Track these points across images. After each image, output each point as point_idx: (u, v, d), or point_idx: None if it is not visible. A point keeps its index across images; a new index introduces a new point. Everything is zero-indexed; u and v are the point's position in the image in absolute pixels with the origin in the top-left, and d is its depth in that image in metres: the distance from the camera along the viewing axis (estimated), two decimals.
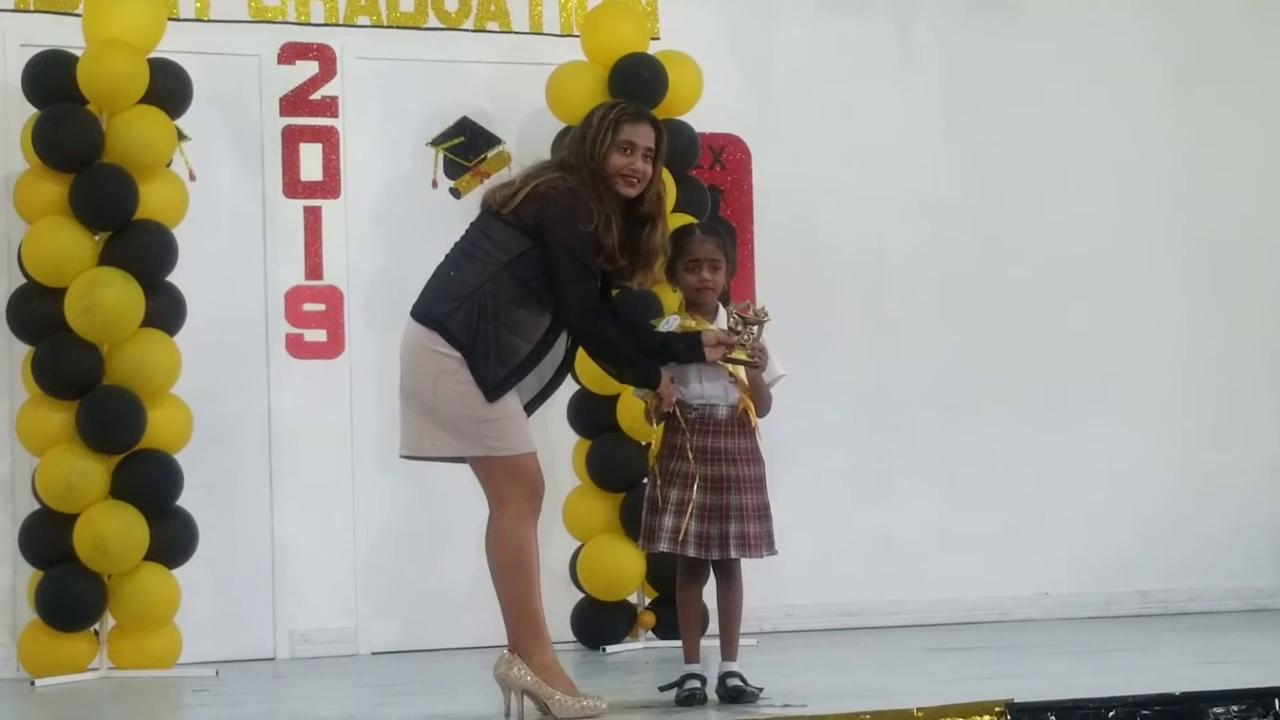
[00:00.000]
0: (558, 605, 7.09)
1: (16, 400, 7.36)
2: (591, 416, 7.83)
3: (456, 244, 5.67)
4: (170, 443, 7.27)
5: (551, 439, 7.71)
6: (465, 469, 5.63)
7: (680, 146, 7.61)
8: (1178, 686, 5.51)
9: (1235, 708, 5.37)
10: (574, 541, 7.89)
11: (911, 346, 8.68)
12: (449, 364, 5.46)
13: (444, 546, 7.87)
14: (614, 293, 5.84)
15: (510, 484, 5.53)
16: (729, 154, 8.44)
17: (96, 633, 7.22)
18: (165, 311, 7.29)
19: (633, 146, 5.64)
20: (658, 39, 8.24)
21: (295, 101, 7.99)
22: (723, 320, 5.76)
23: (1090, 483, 8.79)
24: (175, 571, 7.27)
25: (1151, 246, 9.03)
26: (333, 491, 7.89)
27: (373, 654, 7.89)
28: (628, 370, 5.71)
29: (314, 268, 7.98)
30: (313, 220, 7.98)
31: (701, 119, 8.02)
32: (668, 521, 5.63)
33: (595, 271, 5.59)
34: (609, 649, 7.67)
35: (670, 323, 5.80)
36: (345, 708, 6.29)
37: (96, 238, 7.22)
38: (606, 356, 5.72)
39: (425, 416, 5.52)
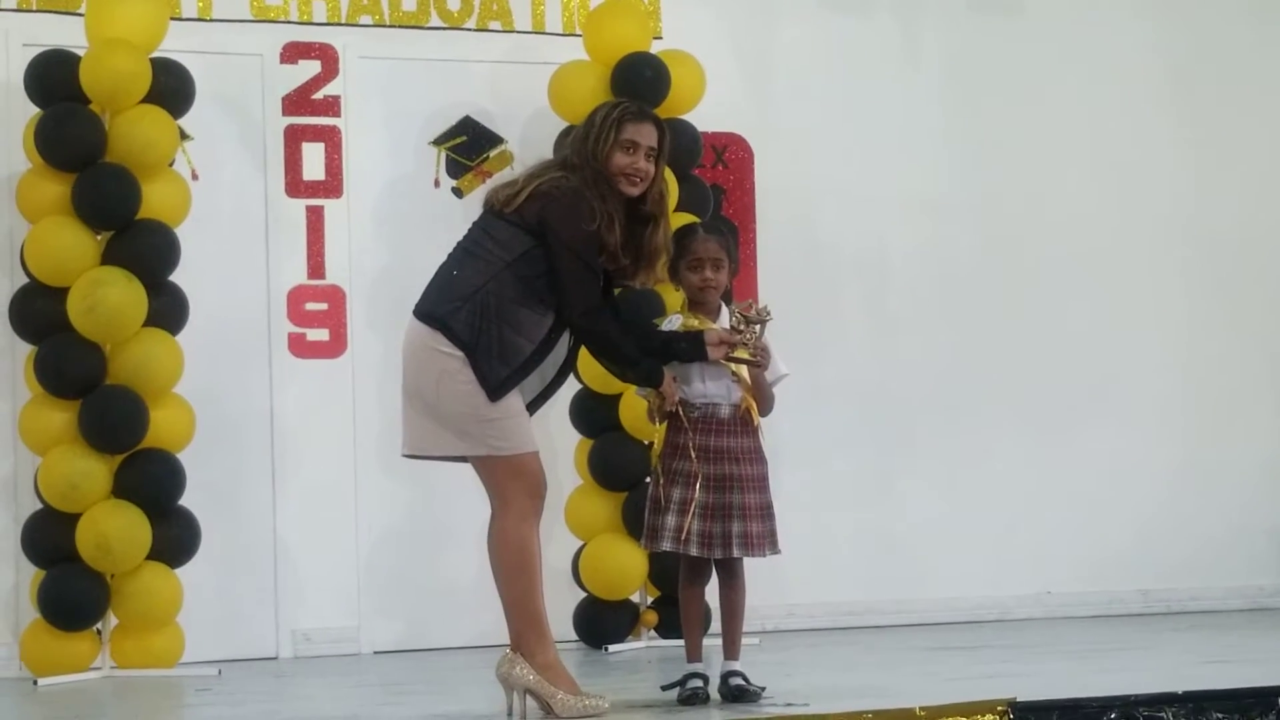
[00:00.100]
0: (560, 604, 7.09)
1: (19, 400, 7.36)
2: (594, 416, 7.84)
3: (459, 243, 5.67)
4: (173, 442, 7.28)
5: (554, 438, 7.71)
6: (467, 468, 5.64)
7: (682, 146, 7.61)
8: (1179, 685, 5.52)
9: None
10: (576, 541, 7.90)
11: (912, 346, 8.68)
12: (452, 363, 5.46)
13: (446, 546, 7.87)
14: (616, 292, 5.85)
15: (513, 483, 5.53)
16: (731, 153, 8.45)
17: (99, 632, 7.22)
18: (168, 311, 7.30)
19: (635, 146, 5.64)
20: (660, 38, 8.24)
21: (298, 101, 7.99)
22: (725, 319, 5.77)
23: (1091, 482, 8.79)
24: (178, 571, 7.27)
25: (1151, 246, 9.03)
26: (335, 491, 7.90)
27: (375, 653, 7.89)
28: (630, 369, 5.71)
29: (316, 267, 7.98)
30: (315, 220, 7.99)
31: (704, 118, 8.02)
32: (670, 520, 5.63)
33: (598, 271, 5.60)
34: (611, 648, 7.67)
35: (673, 322, 5.80)
36: (348, 707, 6.29)
37: (99, 237, 7.23)
38: (609, 356, 5.72)
39: (428, 416, 5.53)
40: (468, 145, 8.21)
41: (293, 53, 8.00)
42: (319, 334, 7.97)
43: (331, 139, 8.02)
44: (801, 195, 8.55)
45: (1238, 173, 9.18)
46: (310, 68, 8.01)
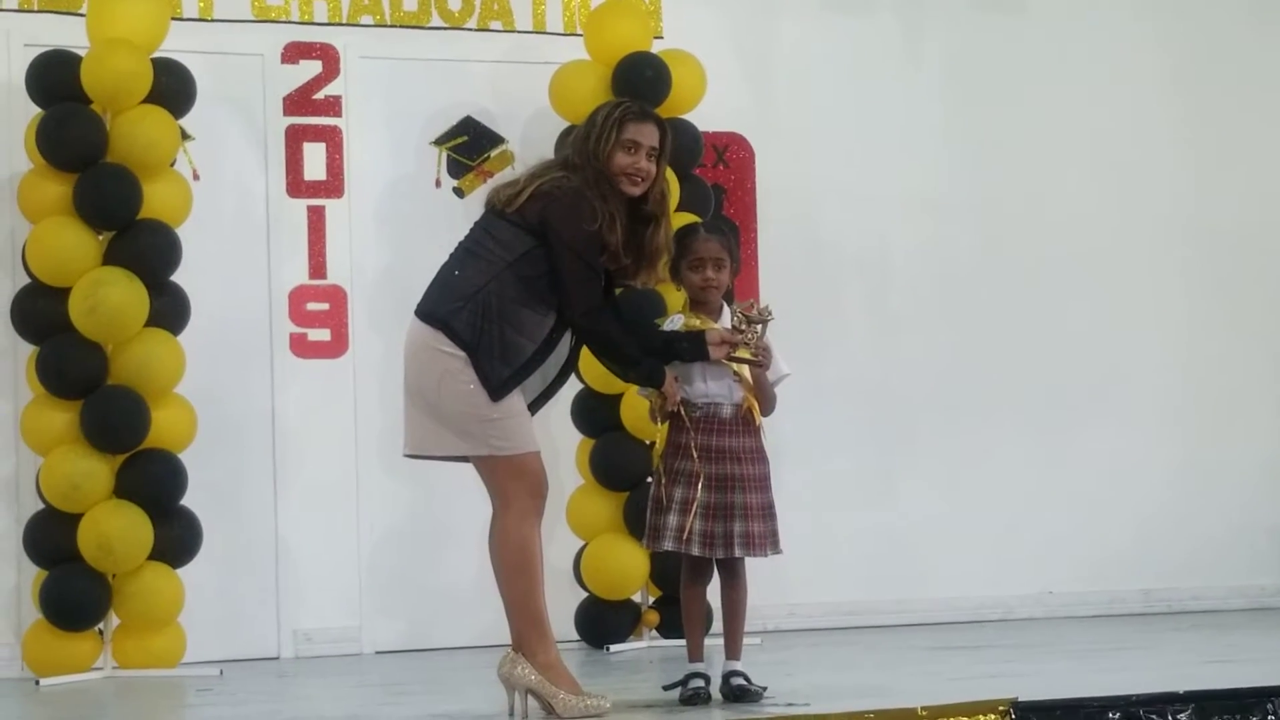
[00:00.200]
0: (561, 604, 7.10)
1: (21, 400, 7.36)
2: (595, 415, 7.84)
3: (460, 243, 5.67)
4: (174, 442, 7.28)
5: (555, 438, 7.70)
6: (469, 468, 5.63)
7: (684, 145, 7.60)
8: (1181, 685, 5.52)
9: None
10: (578, 540, 7.90)
11: (913, 345, 8.68)
12: (453, 363, 5.46)
13: (447, 546, 7.87)
14: (618, 292, 5.84)
15: (514, 483, 5.53)
16: (732, 153, 8.45)
17: (101, 632, 7.22)
18: (169, 311, 7.30)
19: (637, 145, 5.64)
20: (661, 38, 8.24)
21: (299, 101, 7.99)
22: (727, 319, 5.77)
23: (1092, 482, 8.80)
24: (179, 571, 7.27)
25: (1151, 246, 9.04)
26: (336, 491, 7.90)
27: (376, 653, 7.90)
28: (632, 369, 5.71)
29: (318, 267, 7.98)
30: (316, 220, 7.99)
31: (705, 118, 8.02)
32: (672, 520, 5.63)
33: (599, 270, 5.60)
34: (613, 648, 7.67)
35: (675, 321, 5.80)
36: (349, 707, 6.29)
37: (100, 237, 7.23)
38: (611, 355, 5.72)
39: (429, 416, 5.53)
40: (469, 145, 8.22)
41: (294, 53, 8.00)
42: (320, 334, 7.97)
43: (333, 139, 8.02)
44: (802, 195, 8.55)
45: (1238, 172, 9.18)
46: (311, 68, 8.01)
